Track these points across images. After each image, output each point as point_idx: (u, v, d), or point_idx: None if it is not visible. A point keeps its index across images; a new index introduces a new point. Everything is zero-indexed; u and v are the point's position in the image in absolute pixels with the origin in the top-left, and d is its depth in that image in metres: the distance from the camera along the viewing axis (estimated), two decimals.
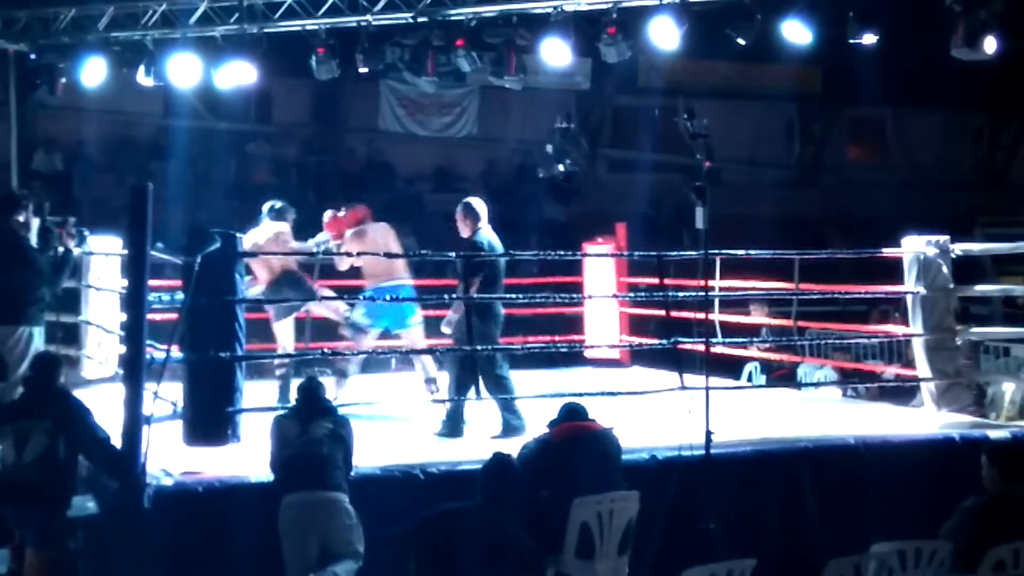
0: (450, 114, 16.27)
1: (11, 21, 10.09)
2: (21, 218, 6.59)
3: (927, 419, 6.82)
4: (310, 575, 4.78)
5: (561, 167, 9.51)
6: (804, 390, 8.35)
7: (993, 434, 6.27)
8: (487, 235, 6.64)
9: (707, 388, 5.45)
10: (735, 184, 15.89)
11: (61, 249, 6.75)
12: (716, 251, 6.42)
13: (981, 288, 8.04)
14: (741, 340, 8.78)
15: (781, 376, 8.97)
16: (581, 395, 5.75)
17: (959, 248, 7.15)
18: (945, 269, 6.99)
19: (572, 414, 5.26)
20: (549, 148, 9.60)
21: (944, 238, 7.11)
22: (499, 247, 6.66)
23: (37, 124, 13.78)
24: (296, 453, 4.99)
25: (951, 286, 7.04)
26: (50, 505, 5.02)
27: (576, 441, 5.10)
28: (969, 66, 7.84)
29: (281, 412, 5.38)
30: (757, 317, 8.95)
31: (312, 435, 5.01)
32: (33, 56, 10.11)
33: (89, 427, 5.07)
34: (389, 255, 7.15)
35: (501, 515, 4.47)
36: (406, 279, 7.34)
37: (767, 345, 8.98)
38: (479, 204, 6.74)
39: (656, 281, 6.85)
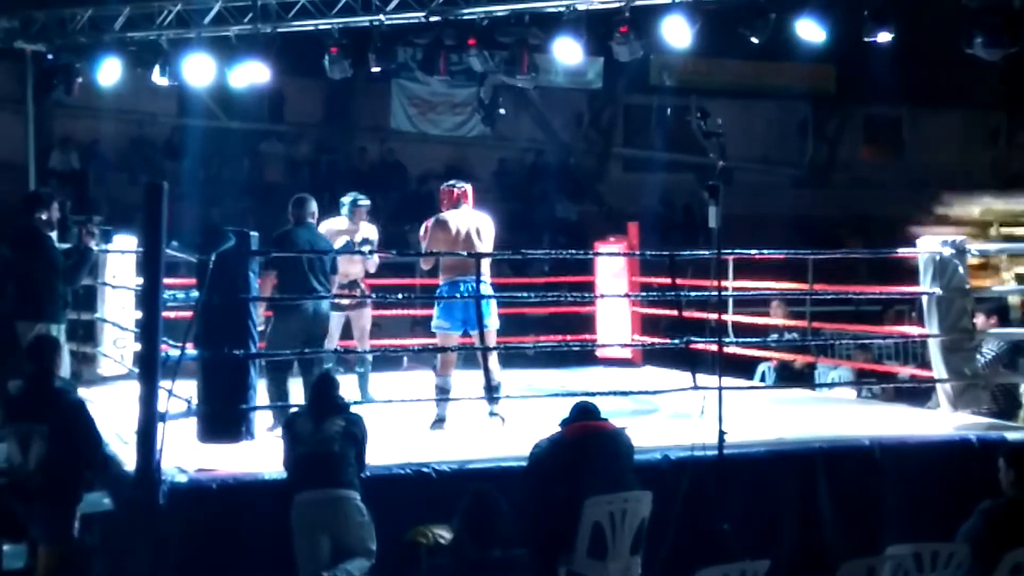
0: (462, 113, 16.27)
1: (29, 22, 10.16)
2: (44, 216, 6.65)
3: (943, 420, 6.78)
4: (323, 574, 4.79)
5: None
6: (818, 390, 8.31)
7: (1011, 436, 6.24)
8: (303, 232, 6.39)
9: (720, 388, 5.43)
10: (748, 184, 15.86)
11: (81, 247, 6.79)
12: (729, 251, 6.39)
13: (997, 288, 8.00)
14: (754, 340, 8.76)
15: (795, 378, 8.92)
16: (593, 394, 5.73)
17: (975, 248, 7.11)
18: (961, 269, 6.95)
19: (584, 413, 5.24)
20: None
21: (960, 238, 7.08)
22: (308, 243, 6.37)
23: (54, 123, 13.89)
24: (308, 451, 4.99)
25: (967, 286, 7.00)
26: (56, 502, 5.08)
27: (588, 440, 5.08)
28: (986, 65, 7.79)
29: (295, 411, 5.39)
30: (776, 318, 8.91)
31: (324, 433, 5.01)
32: (50, 56, 10.18)
33: (84, 429, 5.13)
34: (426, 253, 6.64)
35: (484, 554, 4.25)
36: (482, 275, 6.51)
37: (777, 345, 8.93)
38: (308, 201, 6.48)
39: (668, 281, 6.82)
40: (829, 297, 8.44)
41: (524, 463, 5.26)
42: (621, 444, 5.19)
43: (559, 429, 5.19)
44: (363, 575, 4.84)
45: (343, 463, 4.95)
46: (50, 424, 5.05)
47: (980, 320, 7.16)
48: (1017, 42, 7.25)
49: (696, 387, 6.02)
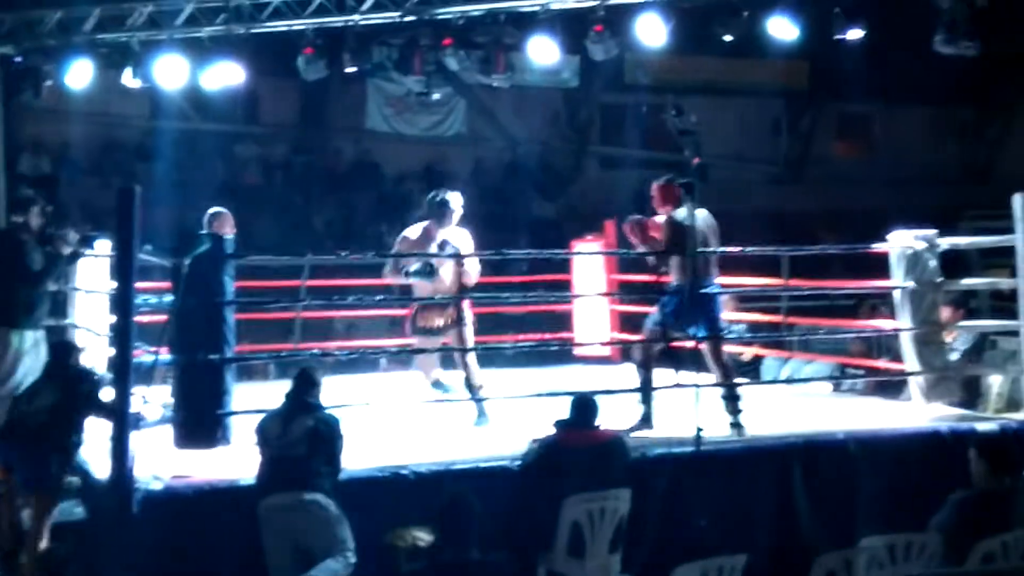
0: (438, 113, 16.26)
1: None
2: (22, 220, 6.63)
3: (916, 413, 6.84)
4: None
5: None
6: (793, 385, 8.36)
7: (981, 427, 6.30)
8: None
9: (697, 385, 5.46)
10: (722, 180, 15.90)
11: (51, 253, 6.75)
12: (704, 249, 6.42)
13: (968, 281, 8.07)
14: (731, 336, 8.77)
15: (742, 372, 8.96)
16: (569, 393, 5.73)
17: (946, 242, 7.18)
18: (932, 263, 7.02)
19: (581, 417, 5.20)
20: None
21: (931, 232, 7.14)
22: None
23: (23, 127, 13.72)
24: (275, 454, 4.94)
25: (939, 280, 7.07)
26: (55, 446, 5.28)
27: (579, 448, 5.05)
28: (955, 61, 7.87)
29: (266, 415, 5.36)
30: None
31: (291, 435, 4.95)
32: (18, 59, 10.06)
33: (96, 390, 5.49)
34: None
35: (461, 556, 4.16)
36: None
37: (753, 340, 8.97)
38: (221, 214, 6.67)
39: (646, 278, 6.85)
40: (804, 292, 8.50)
41: (503, 464, 5.27)
42: (615, 453, 5.16)
43: (554, 430, 5.18)
44: None
45: (309, 465, 4.87)
46: (63, 383, 5.46)
47: (946, 313, 7.22)
48: (983, 40, 7.34)
49: (677, 385, 6.04)
